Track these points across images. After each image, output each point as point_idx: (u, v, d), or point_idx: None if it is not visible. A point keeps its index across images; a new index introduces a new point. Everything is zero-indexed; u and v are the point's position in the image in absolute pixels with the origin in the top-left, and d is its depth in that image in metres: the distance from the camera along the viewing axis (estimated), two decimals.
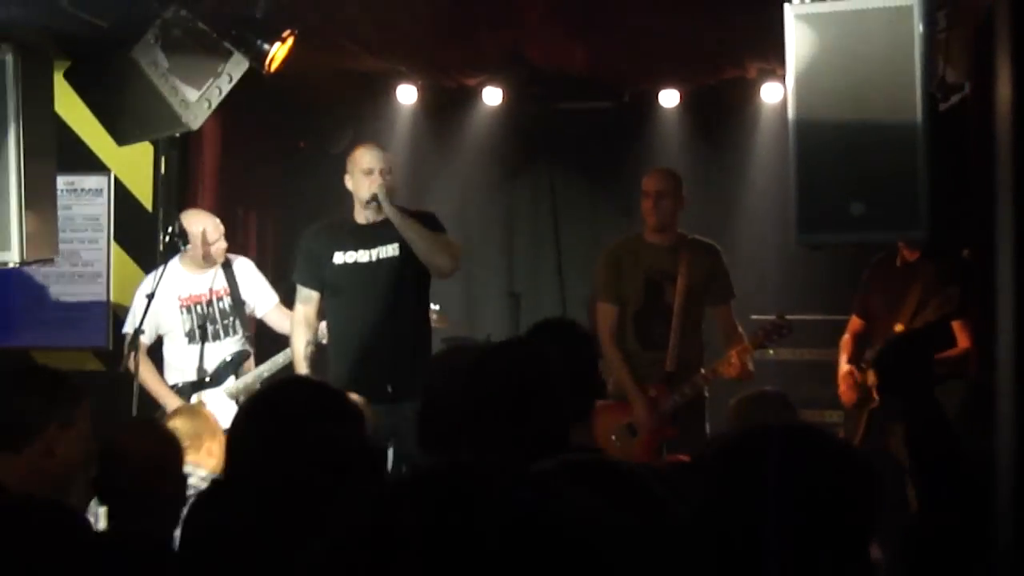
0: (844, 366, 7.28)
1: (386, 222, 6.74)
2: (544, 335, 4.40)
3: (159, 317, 7.58)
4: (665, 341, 7.19)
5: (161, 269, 7.40)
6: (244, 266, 7.80)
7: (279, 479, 2.93)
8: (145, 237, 8.20)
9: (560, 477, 2.08)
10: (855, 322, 7.41)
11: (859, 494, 2.35)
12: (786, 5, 5.45)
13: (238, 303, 7.66)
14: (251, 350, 7.73)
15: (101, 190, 8.42)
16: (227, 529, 2.97)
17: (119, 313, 8.34)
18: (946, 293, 6.75)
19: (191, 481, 4.76)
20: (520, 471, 1.47)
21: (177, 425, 5.45)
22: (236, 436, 3.10)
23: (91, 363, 8.47)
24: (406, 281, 6.72)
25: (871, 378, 7.06)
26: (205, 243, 7.49)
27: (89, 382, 7.98)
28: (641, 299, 7.32)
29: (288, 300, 7.69)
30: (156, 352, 7.70)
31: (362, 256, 6.80)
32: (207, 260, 7.56)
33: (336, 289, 6.84)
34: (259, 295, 7.77)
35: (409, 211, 6.89)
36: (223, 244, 7.61)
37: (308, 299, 6.93)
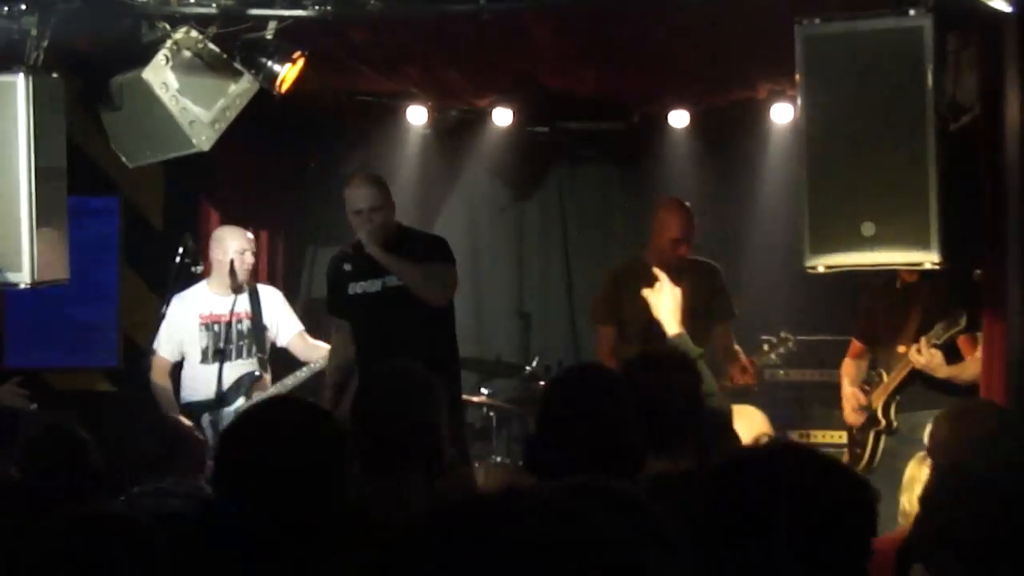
0: (847, 389, 7.29)
1: (394, 248, 6.78)
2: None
3: (182, 335, 7.69)
4: None
5: (183, 289, 7.65)
6: (270, 294, 7.97)
7: (263, 499, 2.90)
8: (155, 258, 8.21)
9: (564, 498, 2.07)
10: (856, 346, 7.44)
11: (855, 513, 2.37)
12: (796, 26, 5.46)
13: (259, 327, 7.77)
14: (266, 374, 7.79)
15: (112, 211, 8.44)
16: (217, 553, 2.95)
17: (130, 333, 8.36)
18: (952, 315, 6.72)
19: None
20: (536, 494, 1.46)
21: None
22: (222, 457, 3.07)
23: (102, 383, 8.49)
24: (414, 308, 6.71)
25: (876, 400, 7.06)
26: (234, 253, 7.69)
27: (100, 402, 8.10)
28: (645, 321, 7.32)
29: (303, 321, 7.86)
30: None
31: (371, 286, 6.88)
32: (232, 276, 7.66)
33: (354, 320, 6.95)
34: (282, 322, 7.91)
35: (422, 235, 7.00)
36: (250, 259, 7.77)
37: (340, 327, 7.08)
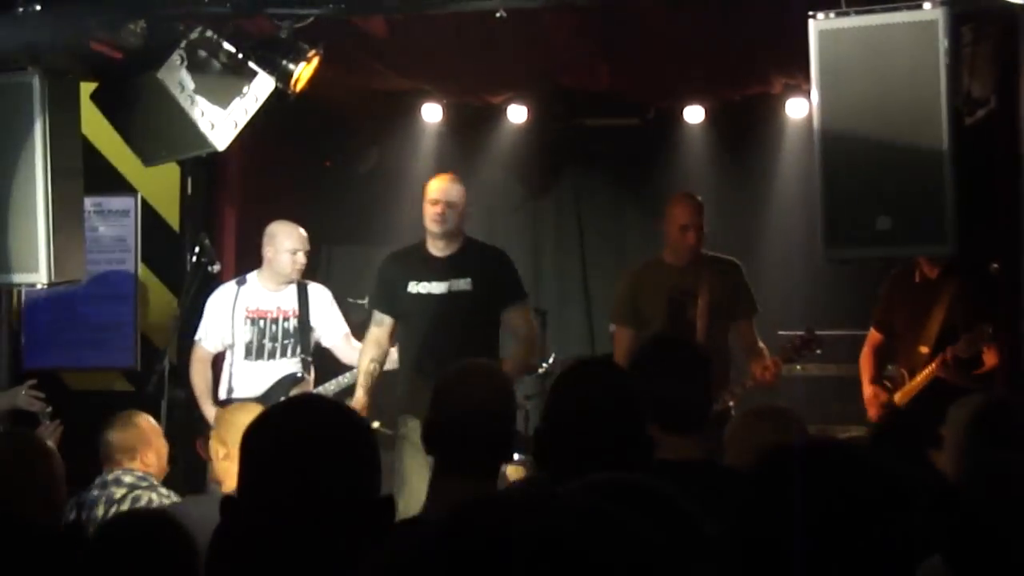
0: (868, 387, 7.22)
1: (460, 254, 7.00)
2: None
3: (226, 327, 7.64)
4: None
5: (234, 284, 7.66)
6: (319, 292, 7.82)
7: (284, 497, 2.90)
8: (172, 257, 8.23)
9: (588, 496, 2.07)
10: (874, 336, 7.37)
11: (891, 511, 2.30)
12: (810, 20, 5.45)
13: (305, 327, 7.66)
14: (308, 376, 7.70)
15: (128, 211, 8.44)
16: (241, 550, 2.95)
17: (147, 333, 8.37)
18: (978, 328, 6.67)
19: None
20: (552, 493, 1.46)
21: (110, 437, 5.61)
22: (244, 454, 3.06)
23: (119, 383, 8.50)
24: (477, 315, 6.90)
25: (898, 398, 7.03)
26: (286, 252, 7.59)
27: (117, 402, 8.11)
28: (665, 320, 7.31)
29: None
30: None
31: (436, 287, 6.96)
32: (281, 273, 7.61)
33: (409, 317, 7.02)
34: (328, 323, 7.76)
35: (488, 255, 7.21)
36: (302, 259, 7.68)
37: (381, 322, 7.12)
